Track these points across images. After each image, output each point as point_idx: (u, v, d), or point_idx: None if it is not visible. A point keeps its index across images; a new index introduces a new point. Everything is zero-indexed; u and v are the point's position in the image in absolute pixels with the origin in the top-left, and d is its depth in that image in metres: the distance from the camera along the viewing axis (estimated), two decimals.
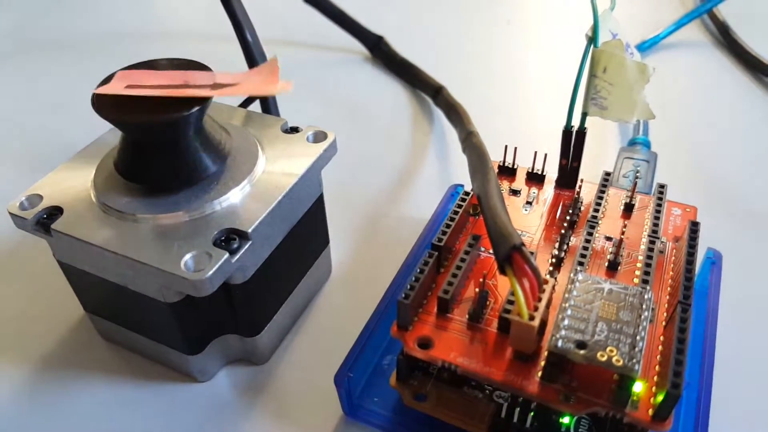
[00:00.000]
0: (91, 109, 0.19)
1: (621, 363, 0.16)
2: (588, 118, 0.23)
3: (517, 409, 0.19)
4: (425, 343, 0.19)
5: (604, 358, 0.16)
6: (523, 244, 0.17)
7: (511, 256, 0.17)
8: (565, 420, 0.19)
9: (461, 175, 0.31)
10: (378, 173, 0.32)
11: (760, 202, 0.29)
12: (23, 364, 0.23)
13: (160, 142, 0.20)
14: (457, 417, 0.19)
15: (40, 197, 0.21)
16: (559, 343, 0.16)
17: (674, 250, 0.22)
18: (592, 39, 0.22)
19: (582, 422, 0.19)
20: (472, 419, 0.19)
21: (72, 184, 0.21)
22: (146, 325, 0.22)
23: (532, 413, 0.19)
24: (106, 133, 0.24)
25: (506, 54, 0.42)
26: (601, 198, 0.22)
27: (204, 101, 0.19)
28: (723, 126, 0.34)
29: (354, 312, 0.24)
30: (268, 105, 0.27)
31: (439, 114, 0.35)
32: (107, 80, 0.20)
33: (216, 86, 0.20)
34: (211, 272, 0.18)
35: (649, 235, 0.21)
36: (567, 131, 0.23)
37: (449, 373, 0.20)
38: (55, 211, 0.20)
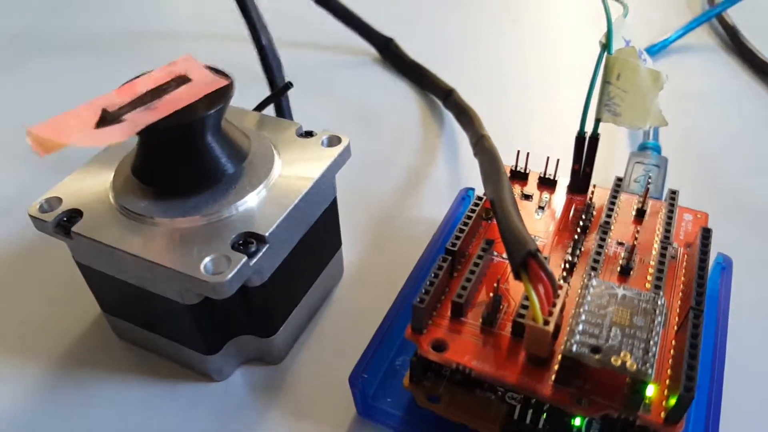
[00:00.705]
0: None
1: (635, 367, 0.16)
2: (600, 124, 0.23)
3: (530, 411, 0.19)
4: (439, 346, 0.19)
5: (618, 363, 0.16)
6: (538, 250, 0.17)
7: (527, 261, 0.17)
8: (576, 422, 0.19)
9: (472, 178, 0.31)
10: (388, 175, 0.32)
11: None
12: (40, 364, 0.24)
13: (178, 145, 0.20)
14: (469, 418, 0.20)
15: (60, 200, 0.21)
16: (574, 348, 0.17)
17: (686, 256, 0.22)
18: (606, 46, 0.22)
19: (593, 424, 0.19)
20: (485, 420, 0.20)
21: (91, 187, 0.22)
22: (164, 326, 0.22)
23: (544, 415, 0.19)
24: None
25: (518, 57, 0.42)
26: (613, 203, 0.23)
27: (222, 101, 0.20)
28: (732, 130, 0.34)
29: (366, 313, 0.24)
30: (282, 109, 0.27)
31: (449, 117, 0.35)
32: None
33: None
34: (230, 275, 0.18)
35: (661, 241, 0.21)
36: (580, 137, 0.23)
37: (462, 375, 0.20)
38: (74, 214, 0.20)
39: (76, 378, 0.23)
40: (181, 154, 0.20)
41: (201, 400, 0.22)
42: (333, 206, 0.24)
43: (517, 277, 0.17)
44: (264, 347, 0.23)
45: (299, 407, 0.22)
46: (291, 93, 0.29)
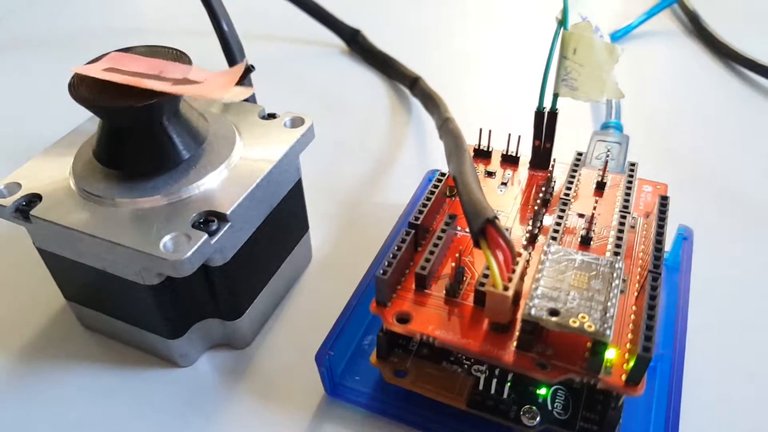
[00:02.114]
0: (68, 104, 0.20)
1: (593, 328, 0.16)
2: (561, 103, 0.23)
3: (495, 381, 0.19)
4: (404, 318, 0.19)
5: (577, 324, 0.16)
6: (496, 218, 0.18)
7: (485, 228, 0.17)
8: (542, 391, 0.20)
9: (439, 162, 0.31)
10: (357, 162, 0.32)
11: (729, 181, 0.30)
12: (2, 354, 0.23)
13: (138, 127, 0.20)
14: (436, 391, 0.20)
15: (19, 185, 0.21)
16: (533, 311, 0.17)
17: (645, 226, 0.22)
18: (562, 22, 0.22)
19: (558, 393, 0.20)
20: (451, 393, 0.20)
21: (51, 172, 0.21)
22: (127, 311, 0.22)
23: (509, 384, 0.19)
24: (83, 122, 0.24)
25: (480, 42, 0.43)
26: (573, 177, 0.23)
27: None
28: (694, 111, 0.35)
29: (334, 297, 0.24)
30: None
31: (416, 104, 0.36)
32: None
33: (185, 81, 0.20)
34: (190, 253, 0.18)
35: (620, 210, 0.21)
36: (539, 112, 0.24)
37: (428, 348, 0.20)
38: (34, 198, 0.20)
39: (41, 369, 0.23)
40: (141, 135, 0.20)
41: (167, 386, 0.22)
42: (298, 188, 0.24)
43: (477, 244, 0.18)
44: (230, 331, 0.23)
45: (267, 391, 0.22)
46: (260, 85, 0.29)
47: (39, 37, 0.45)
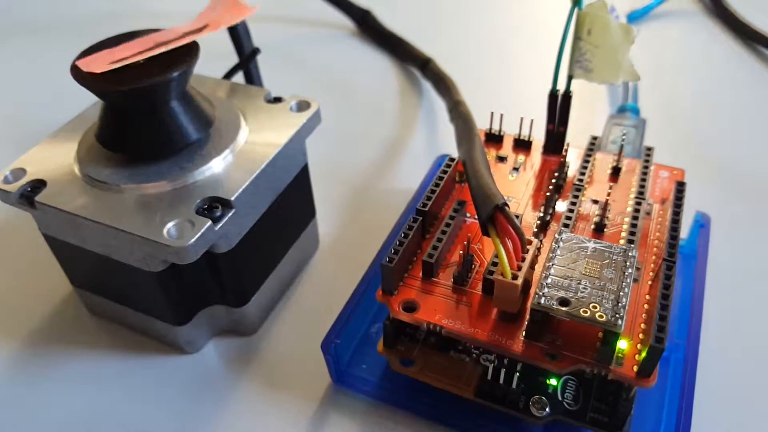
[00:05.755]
0: (73, 89, 0.19)
1: (604, 318, 0.16)
2: (575, 86, 0.23)
3: (503, 370, 0.19)
4: (410, 307, 0.19)
5: (587, 314, 0.16)
6: (506, 204, 0.17)
7: (494, 215, 0.17)
8: (552, 381, 0.19)
9: (449, 146, 0.31)
10: (366, 146, 0.32)
11: (749, 167, 0.29)
12: (11, 341, 0.23)
13: (143, 109, 0.20)
14: (444, 380, 0.19)
15: (24, 171, 0.21)
16: (542, 300, 0.16)
17: (661, 212, 0.22)
18: (577, 1, 0.22)
19: (569, 383, 0.19)
20: (459, 382, 0.19)
21: (55, 157, 0.21)
22: (133, 297, 0.22)
23: (517, 374, 0.19)
24: (88, 108, 0.23)
25: (493, 23, 0.42)
26: (587, 162, 0.22)
27: (186, 64, 0.19)
28: (713, 93, 0.34)
29: (342, 283, 0.24)
30: (251, 76, 0.27)
31: (427, 87, 0.35)
32: (87, 53, 0.20)
33: (188, 34, 0.20)
34: (193, 239, 0.18)
35: (635, 196, 0.21)
36: (553, 95, 0.23)
37: (436, 337, 0.20)
38: (39, 185, 0.20)
39: (49, 355, 0.23)
40: (146, 118, 0.20)
41: (173, 372, 0.22)
42: (304, 173, 0.23)
43: (485, 232, 0.17)
44: (236, 318, 0.23)
45: (273, 378, 0.22)
46: (268, 68, 0.29)
47: (44, 22, 0.45)
